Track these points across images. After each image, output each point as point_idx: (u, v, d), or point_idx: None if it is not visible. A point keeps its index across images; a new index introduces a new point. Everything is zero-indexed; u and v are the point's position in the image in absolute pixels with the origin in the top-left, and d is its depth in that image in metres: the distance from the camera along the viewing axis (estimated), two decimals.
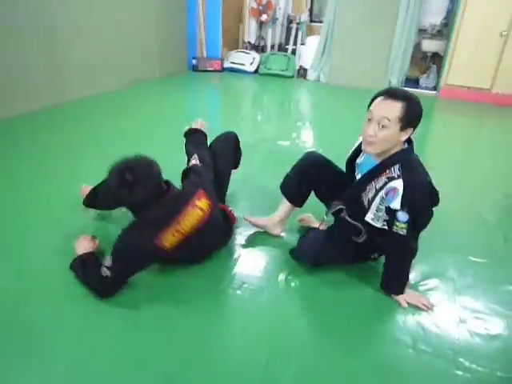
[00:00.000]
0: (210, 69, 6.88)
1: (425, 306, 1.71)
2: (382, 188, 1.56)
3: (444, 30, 6.55)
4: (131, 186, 1.41)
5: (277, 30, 7.31)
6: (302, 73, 7.01)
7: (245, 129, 4.14)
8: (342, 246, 1.84)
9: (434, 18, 6.57)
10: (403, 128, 1.50)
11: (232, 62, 7.00)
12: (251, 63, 6.97)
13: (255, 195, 2.62)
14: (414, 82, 6.66)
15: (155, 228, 1.54)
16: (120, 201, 1.54)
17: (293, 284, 1.83)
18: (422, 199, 1.53)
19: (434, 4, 6.44)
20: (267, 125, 4.46)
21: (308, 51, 6.80)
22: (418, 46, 6.47)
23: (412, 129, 1.53)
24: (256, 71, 6.98)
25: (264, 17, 7.04)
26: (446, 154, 3.84)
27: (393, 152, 1.57)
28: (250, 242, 2.14)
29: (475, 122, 5.27)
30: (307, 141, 3.96)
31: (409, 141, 1.62)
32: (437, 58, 6.61)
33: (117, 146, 3.33)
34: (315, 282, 1.86)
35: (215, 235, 1.84)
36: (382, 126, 1.49)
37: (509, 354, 1.53)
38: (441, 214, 2.12)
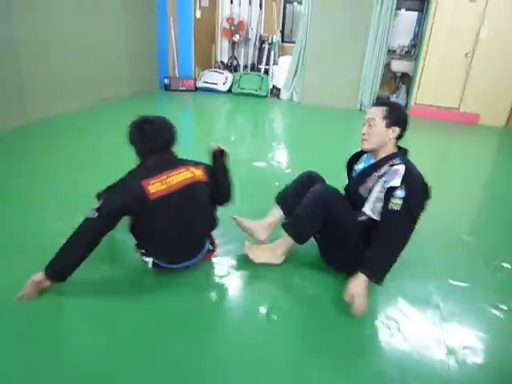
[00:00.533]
0: (183, 88, 6.80)
1: (355, 310, 1.67)
2: (383, 174, 1.80)
3: (412, 51, 6.75)
4: (151, 131, 1.76)
5: (249, 50, 7.35)
6: (275, 92, 7.04)
7: (235, 156, 4.05)
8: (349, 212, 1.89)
9: (403, 39, 6.76)
10: (388, 125, 1.83)
11: (205, 82, 6.95)
12: (224, 83, 6.94)
13: (229, 223, 2.24)
14: None
15: (148, 173, 1.72)
16: (137, 143, 1.80)
17: (274, 317, 1.72)
18: (418, 184, 1.75)
19: (402, 26, 6.64)
20: (242, 145, 4.38)
21: (281, 71, 6.84)
22: (387, 67, 6.62)
23: (398, 128, 1.83)
24: (229, 91, 6.95)
25: (236, 37, 7.07)
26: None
27: (388, 153, 1.86)
28: (232, 270, 2.02)
29: (445, 140, 5.38)
30: (283, 161, 3.89)
31: (404, 150, 1.90)
32: (406, 78, 6.77)
33: (79, 170, 3.17)
34: (299, 315, 1.76)
35: (195, 208, 1.84)
36: (370, 125, 1.86)
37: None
38: (421, 236, 2.08)
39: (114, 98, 5.56)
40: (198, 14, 6.73)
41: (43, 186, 2.85)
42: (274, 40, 6.96)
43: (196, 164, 1.90)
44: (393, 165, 1.79)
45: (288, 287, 1.97)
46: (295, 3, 7.10)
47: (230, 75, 7.05)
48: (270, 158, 3.85)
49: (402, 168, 1.75)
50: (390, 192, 1.73)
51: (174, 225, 1.78)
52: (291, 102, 6.72)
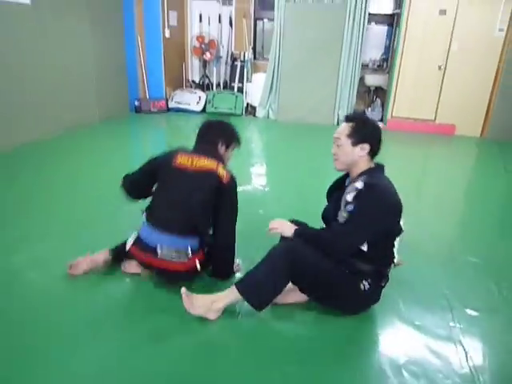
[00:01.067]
0: (154, 110, 6.55)
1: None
2: (348, 193, 1.69)
3: (384, 65, 6.77)
4: (204, 127, 2.09)
5: (221, 68, 7.20)
6: (251, 110, 6.89)
7: None
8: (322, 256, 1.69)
9: (374, 53, 6.79)
10: (355, 143, 1.70)
11: (177, 102, 6.73)
12: (197, 102, 6.74)
13: None
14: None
15: (186, 151, 2.01)
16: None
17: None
18: (375, 200, 1.63)
19: (373, 40, 6.66)
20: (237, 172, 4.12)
21: (255, 88, 6.71)
22: (361, 81, 6.61)
23: (367, 144, 1.70)
24: (203, 110, 6.75)
25: (207, 55, 6.91)
26: (403, 186, 3.75)
27: (362, 170, 1.73)
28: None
29: (423, 151, 5.36)
30: (265, 184, 3.69)
31: (379, 166, 1.79)
32: (380, 92, 6.78)
33: (44, 204, 2.86)
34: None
35: (198, 191, 1.86)
36: (337, 145, 1.75)
37: None
38: (425, 256, 1.92)
39: (81, 125, 5.24)
40: (167, 34, 6.54)
41: None
42: (247, 57, 6.84)
43: (227, 170, 1.94)
44: (356, 181, 1.69)
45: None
46: (265, 20, 7.04)
47: (202, 94, 6.86)
48: (251, 181, 3.66)
49: (359, 184, 1.65)
50: (345, 206, 1.68)
51: (174, 191, 1.89)
52: (268, 120, 6.59)
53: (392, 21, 6.58)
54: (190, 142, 2.11)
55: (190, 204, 1.84)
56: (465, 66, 5.75)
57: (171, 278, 1.93)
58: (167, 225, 1.84)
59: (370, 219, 1.63)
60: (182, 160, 1.91)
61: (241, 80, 6.91)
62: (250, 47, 6.98)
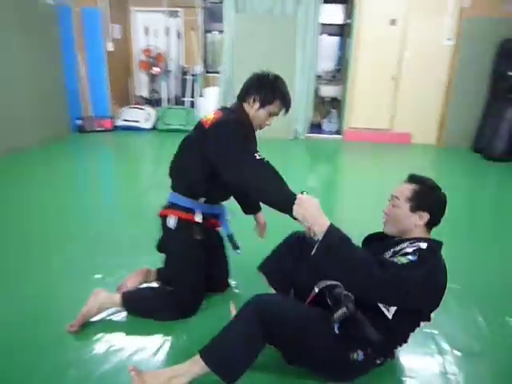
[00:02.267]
0: (100, 129, 6.07)
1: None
2: (400, 250, 1.39)
3: (337, 76, 6.71)
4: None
5: (171, 83, 6.85)
6: None
7: (155, 201, 3.43)
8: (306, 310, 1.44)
9: (327, 64, 6.72)
10: (413, 209, 1.43)
11: (125, 120, 6.29)
12: (147, 119, 6.34)
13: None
14: (317, 127, 6.63)
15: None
16: None
17: None
18: (435, 268, 1.34)
19: (326, 51, 6.59)
20: None
21: (207, 103, 6.41)
22: (316, 92, 6.49)
23: (427, 214, 1.43)
24: (154, 127, 6.36)
25: (155, 69, 6.55)
26: (364, 200, 3.57)
27: (414, 235, 1.45)
28: None
29: (380, 161, 5.30)
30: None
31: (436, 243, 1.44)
32: (335, 103, 6.69)
33: None
34: None
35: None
36: (393, 206, 1.49)
37: None
38: None
39: (20, 148, 4.69)
40: (111, 47, 6.12)
41: None
42: (197, 71, 6.55)
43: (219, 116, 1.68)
44: (416, 242, 1.39)
45: None
46: (215, 32, 6.79)
47: (152, 111, 6.46)
48: None
49: (423, 244, 1.36)
50: (398, 253, 1.38)
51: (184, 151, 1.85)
52: None
53: (343, 31, 6.55)
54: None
55: (178, 162, 1.83)
56: (417, 75, 5.76)
57: None
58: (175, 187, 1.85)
59: (420, 285, 1.29)
60: (208, 117, 1.69)
61: (192, 95, 6.59)
62: (201, 60, 6.69)
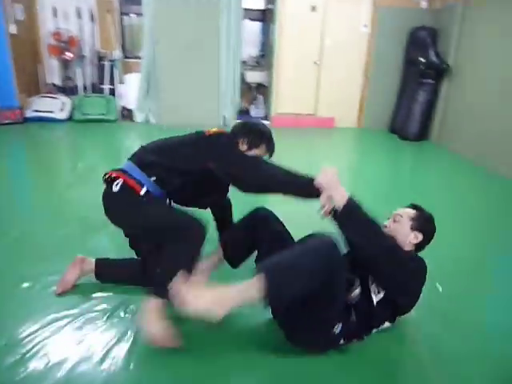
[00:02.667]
0: (6, 121, 5.46)
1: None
2: None
3: (262, 61, 6.72)
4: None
5: (87, 69, 6.35)
6: (127, 114, 6.23)
7: (79, 198, 3.16)
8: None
9: (251, 49, 6.69)
10: (413, 228, 1.64)
11: (36, 110, 5.72)
12: (61, 109, 5.83)
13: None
14: (245, 113, 6.62)
15: None
16: None
17: None
18: (424, 269, 1.59)
19: (249, 36, 6.55)
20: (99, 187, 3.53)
21: (129, 90, 6.07)
22: (241, 78, 6.45)
23: (421, 235, 1.63)
24: (70, 118, 5.87)
25: (68, 55, 6.02)
26: None
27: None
28: None
29: (307, 144, 5.46)
30: None
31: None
32: (262, 89, 6.72)
33: None
34: None
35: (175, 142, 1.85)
36: (395, 221, 1.68)
37: None
38: None
39: None
40: (14, 30, 5.49)
41: None
42: (115, 56, 6.15)
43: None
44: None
45: None
46: (133, 15, 6.41)
47: (67, 100, 5.96)
48: None
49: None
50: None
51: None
52: (148, 124, 6.02)
53: (265, 17, 6.55)
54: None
55: (169, 149, 1.79)
56: (338, 61, 5.98)
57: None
58: (136, 159, 1.77)
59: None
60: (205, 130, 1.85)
61: (111, 81, 6.19)
62: (119, 45, 6.29)
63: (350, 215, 1.50)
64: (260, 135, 1.86)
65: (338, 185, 1.54)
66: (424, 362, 1.60)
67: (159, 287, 1.51)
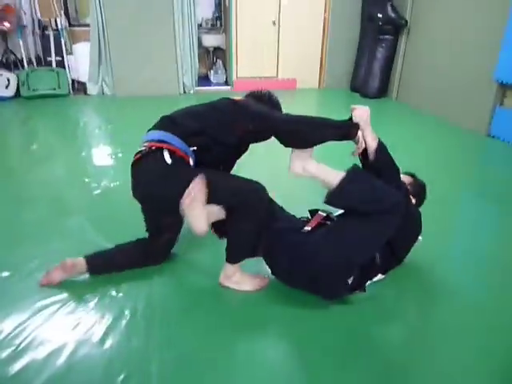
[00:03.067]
0: None
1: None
2: None
3: (217, 24, 6.48)
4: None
5: (29, 40, 5.86)
6: (79, 87, 5.87)
7: (44, 179, 2.99)
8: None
9: (205, 11, 6.41)
10: (410, 193, 1.77)
11: None
12: (7, 86, 5.40)
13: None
14: (205, 79, 6.43)
15: None
16: None
17: None
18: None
19: None
20: (57, 165, 3.35)
21: (80, 62, 5.69)
22: (198, 42, 6.20)
23: (415, 199, 1.82)
24: (17, 95, 5.46)
25: (5, 25, 5.51)
26: None
27: None
28: None
29: None
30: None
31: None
32: (219, 53, 6.51)
33: None
34: None
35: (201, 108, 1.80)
36: None
37: None
38: None
39: None
40: None
41: None
42: (60, 25, 5.69)
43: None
44: None
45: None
46: None
47: (11, 75, 5.50)
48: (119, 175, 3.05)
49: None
50: None
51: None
52: (103, 97, 5.71)
53: None
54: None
55: (184, 110, 1.75)
56: (296, 20, 5.86)
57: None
58: (170, 128, 1.67)
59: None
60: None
61: (59, 53, 5.76)
62: (62, 12, 5.81)
63: (381, 156, 1.65)
64: (276, 104, 1.94)
65: (370, 125, 1.64)
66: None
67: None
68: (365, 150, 1.67)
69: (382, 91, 5.76)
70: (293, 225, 1.73)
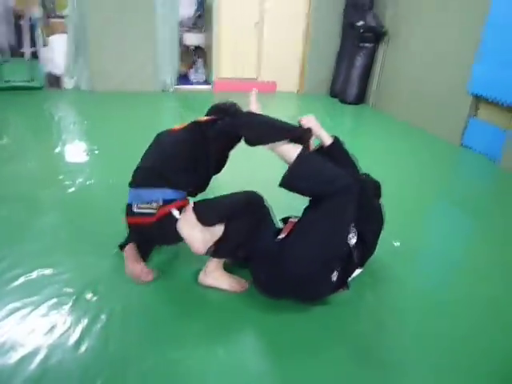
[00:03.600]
0: None
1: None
2: None
3: (199, 23, 6.43)
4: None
5: (1, 30, 5.66)
6: (54, 81, 5.69)
7: (17, 175, 2.88)
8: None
9: (187, 10, 6.34)
10: None
11: None
12: None
13: None
14: (185, 78, 6.36)
15: None
16: None
17: None
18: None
19: None
20: (61, 165, 3.19)
21: (56, 53, 5.52)
22: (179, 41, 6.13)
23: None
24: None
25: None
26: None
27: None
28: None
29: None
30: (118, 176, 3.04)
31: None
32: (200, 52, 6.46)
33: None
34: None
35: (162, 144, 1.87)
36: None
37: None
38: None
39: None
40: None
41: None
42: (35, 15, 5.50)
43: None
44: None
45: None
46: None
47: None
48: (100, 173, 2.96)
49: None
50: None
51: (149, 152, 1.87)
52: (80, 91, 5.55)
53: None
54: None
55: (158, 156, 1.80)
56: (278, 23, 5.89)
57: (147, 237, 1.84)
58: (137, 181, 1.77)
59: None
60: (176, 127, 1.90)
61: (33, 44, 5.57)
62: (38, 2, 5.63)
63: (337, 150, 1.81)
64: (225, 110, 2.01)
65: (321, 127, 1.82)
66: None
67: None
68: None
69: (360, 98, 5.86)
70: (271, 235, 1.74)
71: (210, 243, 1.65)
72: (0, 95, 5.08)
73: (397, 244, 2.24)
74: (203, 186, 1.94)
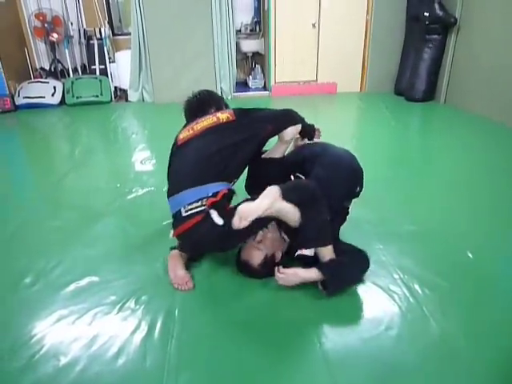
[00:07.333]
0: None
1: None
2: None
3: (257, 29, 6.41)
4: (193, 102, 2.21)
5: (75, 50, 6.09)
6: (121, 95, 6.00)
7: (76, 186, 3.01)
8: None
9: (244, 17, 6.37)
10: None
11: (27, 97, 5.50)
12: (53, 94, 5.61)
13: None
14: (243, 85, 6.38)
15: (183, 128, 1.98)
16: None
17: None
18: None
19: (241, 3, 6.20)
20: (120, 173, 3.31)
21: (122, 69, 5.83)
22: (237, 48, 6.16)
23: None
24: (62, 102, 5.66)
25: (54, 36, 5.75)
26: None
27: None
28: None
29: (311, 113, 5.22)
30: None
31: None
32: (258, 58, 6.44)
33: None
34: None
35: (213, 143, 1.77)
36: None
37: None
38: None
39: None
40: None
41: None
42: (104, 34, 5.86)
43: (226, 109, 2.01)
44: None
45: None
46: None
47: (58, 83, 5.73)
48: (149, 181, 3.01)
49: None
50: None
51: (183, 161, 1.81)
52: (143, 104, 5.79)
53: None
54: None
55: (199, 157, 1.76)
56: (337, 23, 5.67)
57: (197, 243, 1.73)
58: (181, 185, 1.71)
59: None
60: (184, 134, 1.88)
61: (102, 61, 5.93)
62: (106, 22, 5.99)
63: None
64: (218, 98, 2.30)
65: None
66: None
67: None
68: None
69: (429, 94, 5.43)
70: None
71: (267, 212, 1.51)
72: (73, 110, 5.46)
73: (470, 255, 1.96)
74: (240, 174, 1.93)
